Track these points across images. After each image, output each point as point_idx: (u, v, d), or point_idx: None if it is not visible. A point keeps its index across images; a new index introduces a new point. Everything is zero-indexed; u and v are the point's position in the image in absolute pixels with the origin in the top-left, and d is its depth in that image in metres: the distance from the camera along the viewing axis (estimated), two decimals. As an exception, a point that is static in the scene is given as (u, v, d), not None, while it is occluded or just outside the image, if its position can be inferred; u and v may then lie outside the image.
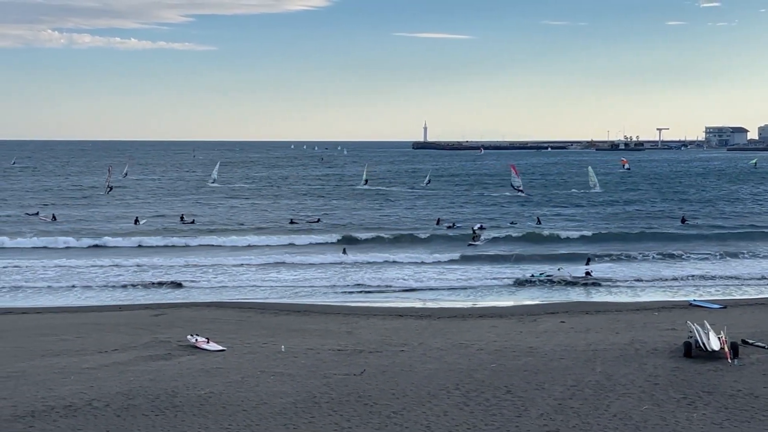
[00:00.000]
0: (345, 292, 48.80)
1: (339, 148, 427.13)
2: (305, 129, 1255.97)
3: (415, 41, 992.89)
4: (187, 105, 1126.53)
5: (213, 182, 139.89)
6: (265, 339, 33.17)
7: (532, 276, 51.14)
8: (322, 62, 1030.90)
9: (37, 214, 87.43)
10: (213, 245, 67.74)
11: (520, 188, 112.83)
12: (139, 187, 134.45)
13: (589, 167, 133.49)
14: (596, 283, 49.64)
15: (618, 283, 50.03)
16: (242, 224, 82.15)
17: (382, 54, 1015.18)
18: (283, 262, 58.62)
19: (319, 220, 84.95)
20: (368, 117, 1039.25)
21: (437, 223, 79.61)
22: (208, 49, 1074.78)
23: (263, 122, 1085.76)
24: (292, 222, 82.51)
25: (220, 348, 31.16)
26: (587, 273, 51.15)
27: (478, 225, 75.68)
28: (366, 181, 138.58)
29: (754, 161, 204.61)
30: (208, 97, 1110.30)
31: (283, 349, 30.75)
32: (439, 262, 58.38)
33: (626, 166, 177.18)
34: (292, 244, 67.82)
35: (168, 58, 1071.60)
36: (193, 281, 51.72)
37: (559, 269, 52.28)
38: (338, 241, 68.09)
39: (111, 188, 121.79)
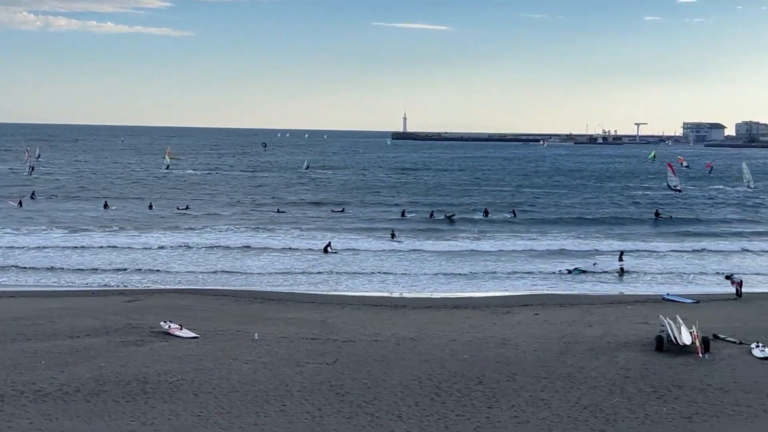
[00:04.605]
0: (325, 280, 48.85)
1: (325, 137, 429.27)
2: (283, 117, 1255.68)
3: (393, 31, 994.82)
4: (162, 91, 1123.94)
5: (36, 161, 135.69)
6: (238, 327, 33.08)
7: (568, 271, 51.26)
8: (300, 51, 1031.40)
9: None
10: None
11: (677, 187, 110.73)
12: (59, 172, 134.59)
13: (744, 163, 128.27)
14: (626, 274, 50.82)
15: (650, 277, 50.42)
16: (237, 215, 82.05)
17: (362, 44, 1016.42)
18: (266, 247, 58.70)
19: (343, 210, 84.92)
20: (348, 107, 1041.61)
21: (430, 217, 79.46)
22: (185, 35, 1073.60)
23: (240, 109, 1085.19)
24: (278, 211, 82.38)
25: (193, 335, 31.05)
26: (621, 268, 51.82)
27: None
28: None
29: (652, 154, 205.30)
30: (184, 83, 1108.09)
31: (256, 337, 30.68)
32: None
33: (684, 163, 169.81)
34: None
35: (144, 43, 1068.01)
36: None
37: (594, 264, 52.72)
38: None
39: (33, 168, 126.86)
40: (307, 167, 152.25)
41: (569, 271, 50.92)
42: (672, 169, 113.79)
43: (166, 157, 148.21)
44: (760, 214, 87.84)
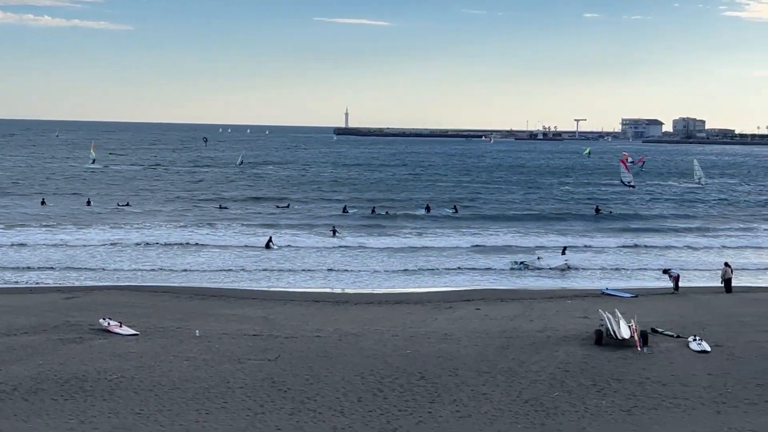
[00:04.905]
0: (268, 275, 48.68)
1: (267, 132, 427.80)
2: (225, 112, 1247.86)
3: (335, 26, 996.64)
4: (101, 85, 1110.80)
5: None
6: (179, 323, 32.78)
7: (513, 264, 51.61)
8: (243, 45, 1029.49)
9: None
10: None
11: (631, 183, 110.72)
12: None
13: (695, 160, 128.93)
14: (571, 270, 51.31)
15: (590, 272, 51.11)
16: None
17: (304, 39, 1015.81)
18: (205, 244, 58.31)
19: (288, 206, 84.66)
20: (291, 102, 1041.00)
21: (372, 212, 79.40)
22: (124, 29, 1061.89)
23: (180, 104, 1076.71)
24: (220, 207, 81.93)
25: (133, 332, 30.71)
26: (565, 262, 52.41)
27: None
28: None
29: (587, 150, 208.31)
30: (123, 77, 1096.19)
31: (197, 334, 30.42)
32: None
33: (630, 159, 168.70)
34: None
35: (82, 37, 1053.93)
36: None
37: (538, 258, 53.04)
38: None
39: None
40: (241, 162, 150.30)
41: (513, 266, 51.31)
42: (625, 165, 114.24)
43: (92, 150, 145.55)
44: (696, 209, 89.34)
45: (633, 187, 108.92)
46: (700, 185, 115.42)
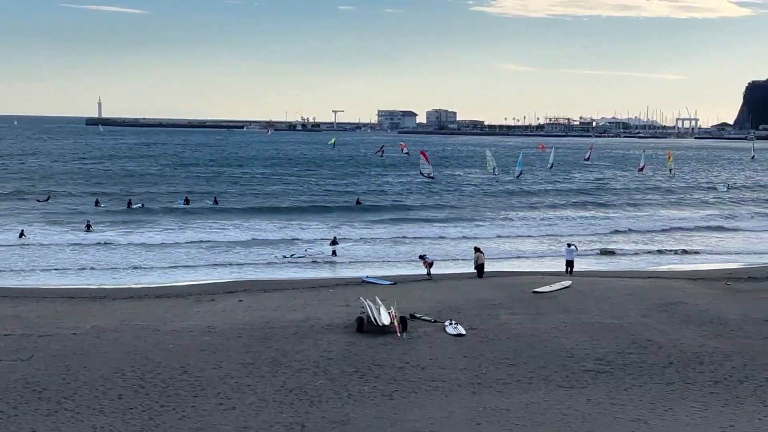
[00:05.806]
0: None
1: (15, 122, 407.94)
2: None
3: (85, 13, 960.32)
4: None
5: None
6: None
7: (284, 257, 51.30)
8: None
9: None
10: None
11: (431, 174, 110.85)
12: None
13: (488, 151, 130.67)
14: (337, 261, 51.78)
15: (352, 261, 51.79)
16: None
17: (51, 25, 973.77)
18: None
19: (48, 198, 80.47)
20: (40, 91, 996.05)
21: (128, 206, 77.12)
22: None
23: None
24: None
25: None
26: (333, 252, 52.79)
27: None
28: None
29: (332, 141, 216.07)
30: None
31: (-59, 336, 28.68)
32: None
33: (405, 150, 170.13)
34: None
35: None
36: None
37: (306, 250, 52.96)
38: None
39: None
40: None
41: (280, 258, 51.52)
42: (425, 157, 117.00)
43: None
44: (448, 198, 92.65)
45: (432, 178, 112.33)
46: (495, 175, 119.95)
